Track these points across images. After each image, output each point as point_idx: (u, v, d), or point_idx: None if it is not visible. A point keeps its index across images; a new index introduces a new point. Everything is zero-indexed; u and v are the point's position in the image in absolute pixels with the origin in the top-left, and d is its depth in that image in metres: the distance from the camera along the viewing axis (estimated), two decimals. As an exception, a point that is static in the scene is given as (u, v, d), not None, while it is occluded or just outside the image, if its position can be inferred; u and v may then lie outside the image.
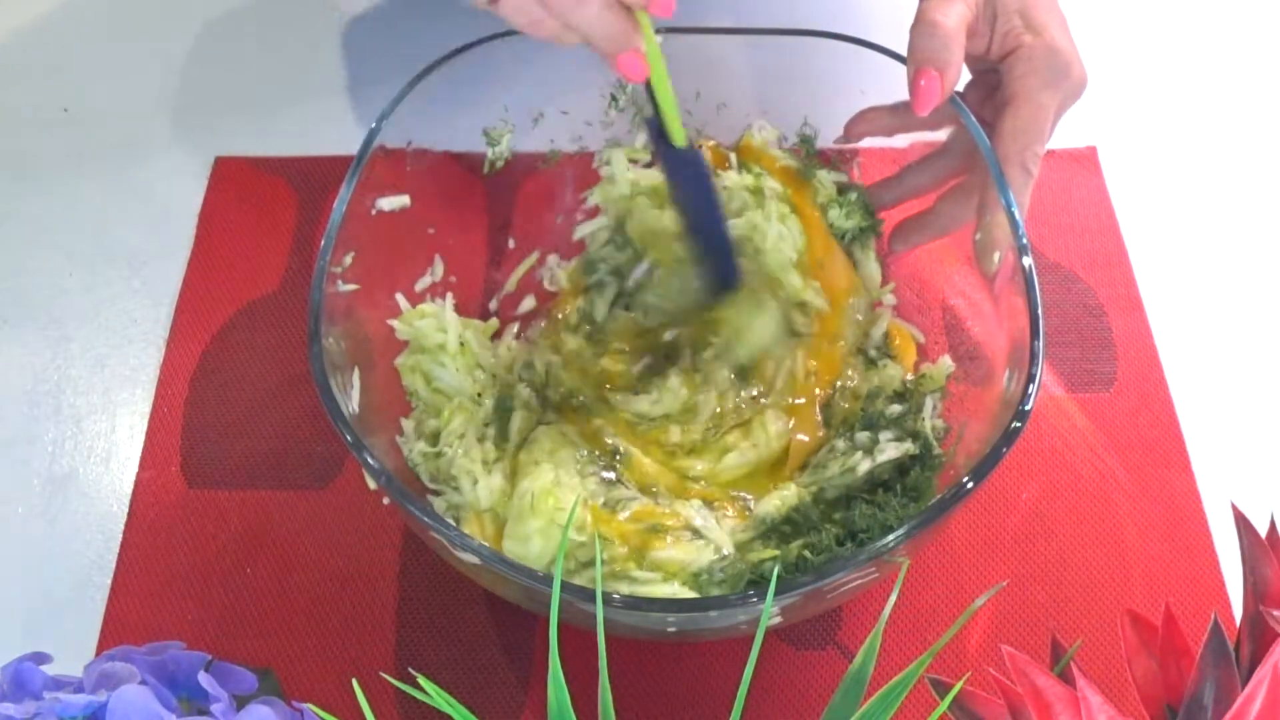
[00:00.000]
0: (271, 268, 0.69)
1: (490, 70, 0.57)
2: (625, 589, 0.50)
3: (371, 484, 0.46)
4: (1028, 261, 0.49)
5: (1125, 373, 0.63)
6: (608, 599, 0.41)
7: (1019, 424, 0.44)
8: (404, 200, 0.55)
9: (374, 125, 0.53)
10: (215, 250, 0.70)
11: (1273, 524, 0.41)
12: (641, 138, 0.64)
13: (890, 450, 0.54)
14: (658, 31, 0.55)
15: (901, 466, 0.54)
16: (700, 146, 0.60)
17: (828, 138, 0.62)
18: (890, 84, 0.55)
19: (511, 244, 0.64)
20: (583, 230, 0.64)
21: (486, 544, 0.47)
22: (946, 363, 0.58)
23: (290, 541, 0.59)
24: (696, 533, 0.53)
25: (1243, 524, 0.41)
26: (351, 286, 0.52)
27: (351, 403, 0.49)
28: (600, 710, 0.37)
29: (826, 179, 0.62)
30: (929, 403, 0.56)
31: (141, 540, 0.59)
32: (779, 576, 0.39)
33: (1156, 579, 0.56)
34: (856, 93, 0.59)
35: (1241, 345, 0.65)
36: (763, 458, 0.56)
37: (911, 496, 0.53)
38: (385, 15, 0.81)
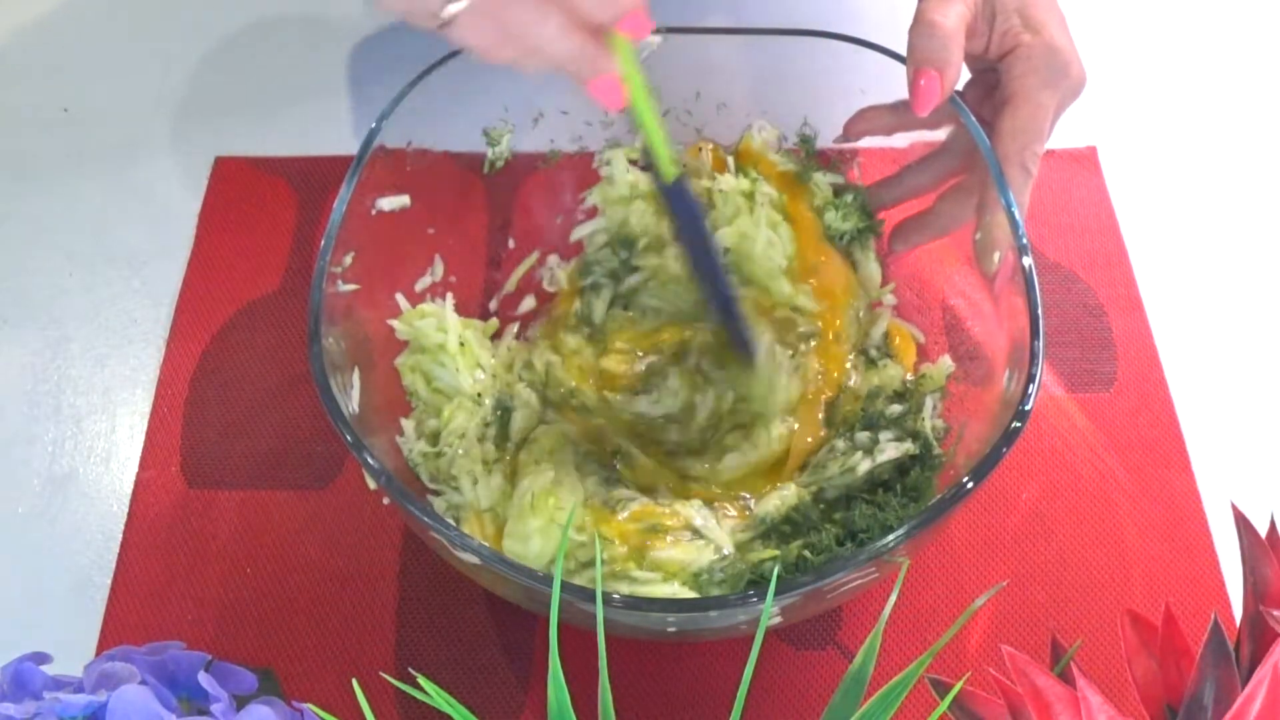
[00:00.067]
0: (271, 268, 0.69)
1: (490, 70, 0.57)
2: (625, 589, 0.50)
3: (371, 484, 0.46)
4: (1028, 261, 0.49)
5: (1125, 373, 0.63)
6: (608, 599, 0.41)
7: (1019, 424, 0.44)
8: (404, 200, 0.55)
9: (374, 125, 0.53)
10: (215, 250, 0.70)
11: (1273, 524, 0.41)
12: (641, 138, 0.64)
13: (890, 450, 0.54)
14: (656, 32, 0.55)
15: (901, 466, 0.54)
16: (686, 170, 0.57)
17: (827, 138, 0.62)
18: (890, 84, 0.55)
19: (511, 244, 0.64)
20: (581, 231, 0.64)
21: (486, 544, 0.47)
22: (946, 363, 0.58)
23: (290, 541, 0.59)
24: (696, 533, 0.53)
25: (1243, 524, 0.41)
26: (351, 286, 0.52)
27: (351, 403, 0.49)
28: (600, 710, 0.37)
29: (823, 181, 0.62)
30: (929, 403, 0.56)
31: (141, 540, 0.59)
32: (779, 576, 0.39)
33: (1156, 579, 0.56)
34: (856, 92, 0.59)
35: (1241, 345, 0.65)
36: (763, 458, 0.56)
37: (911, 496, 0.53)
38: (385, 15, 0.81)
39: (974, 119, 0.53)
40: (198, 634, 0.56)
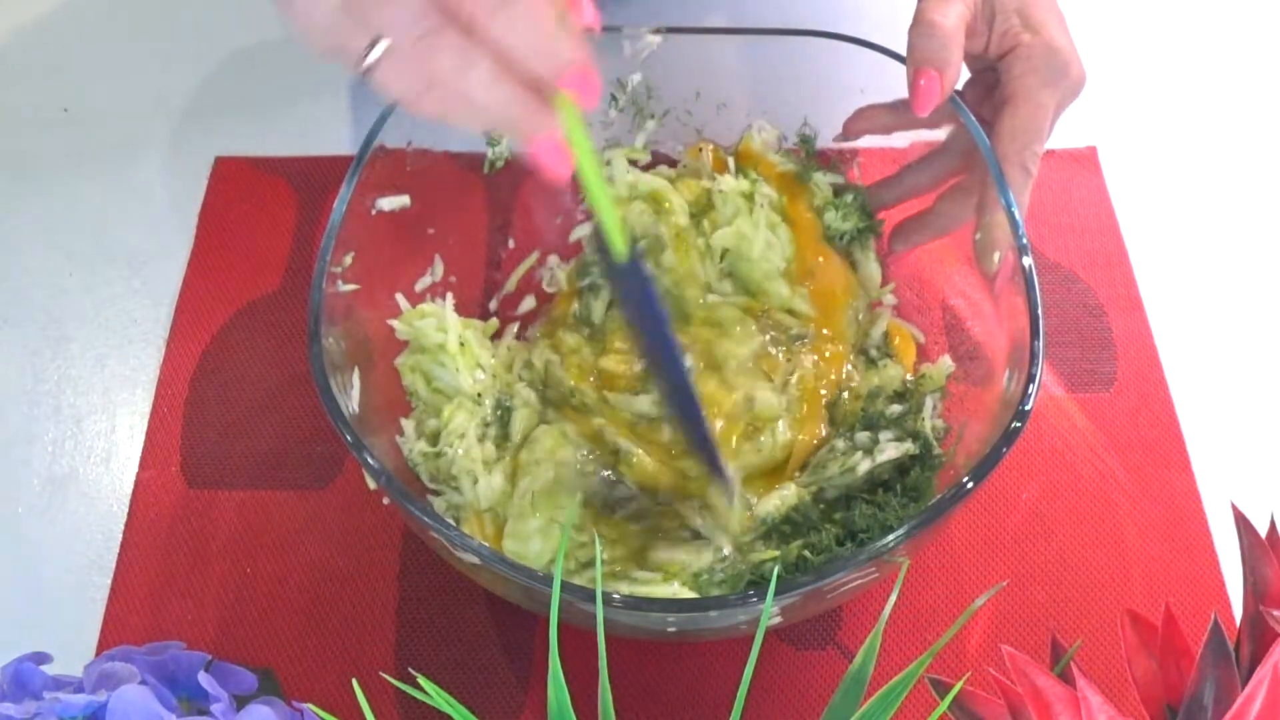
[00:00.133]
0: (271, 268, 0.69)
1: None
2: (625, 589, 0.50)
3: (371, 484, 0.46)
4: (1028, 261, 0.49)
5: (1125, 373, 0.63)
6: (608, 599, 0.41)
7: (1019, 424, 0.44)
8: (404, 200, 0.55)
9: (374, 125, 0.53)
10: (215, 250, 0.70)
11: (1273, 524, 0.41)
12: (641, 137, 0.64)
13: (890, 450, 0.54)
14: (656, 32, 0.55)
15: (901, 466, 0.54)
16: (639, 247, 0.47)
17: (827, 138, 0.62)
18: (889, 83, 0.55)
19: (511, 244, 0.64)
20: (580, 232, 0.64)
21: (486, 544, 0.47)
22: (946, 363, 0.58)
23: (290, 541, 0.59)
24: (696, 533, 0.53)
25: (1243, 524, 0.41)
26: (351, 286, 0.52)
27: (351, 403, 0.49)
28: (600, 710, 0.37)
29: (823, 181, 0.62)
30: (929, 403, 0.56)
31: (141, 540, 0.59)
32: (779, 576, 0.39)
33: (1156, 579, 0.56)
34: (856, 92, 0.59)
35: (1241, 345, 0.65)
36: (764, 462, 0.56)
37: (911, 496, 0.53)
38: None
39: (974, 119, 0.53)
40: (198, 634, 0.56)
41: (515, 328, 0.62)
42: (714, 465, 0.51)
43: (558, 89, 0.37)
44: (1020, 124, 0.53)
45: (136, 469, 0.61)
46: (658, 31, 0.58)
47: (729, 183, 0.60)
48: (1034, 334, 0.47)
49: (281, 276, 0.68)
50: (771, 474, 0.56)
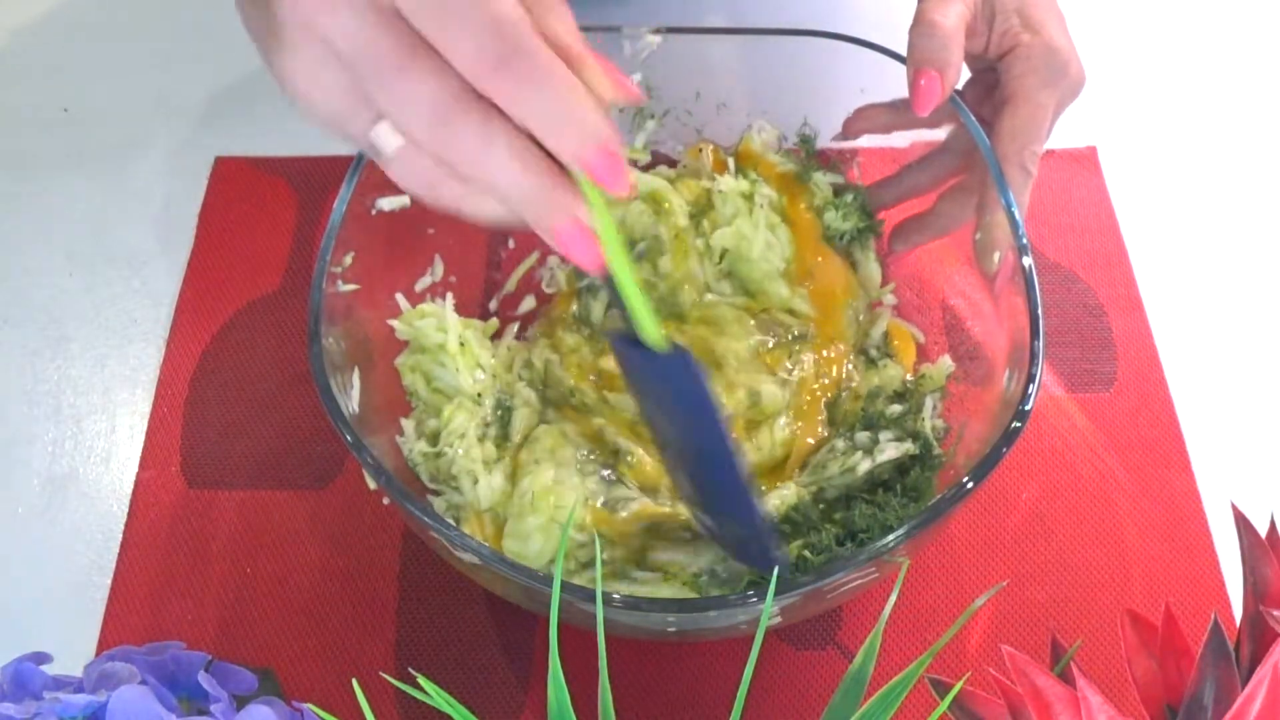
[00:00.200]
0: (271, 268, 0.69)
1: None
2: (625, 589, 0.50)
3: (371, 484, 0.46)
4: (1028, 261, 0.49)
5: (1125, 373, 0.63)
6: (608, 599, 0.41)
7: (1019, 424, 0.44)
8: (404, 200, 0.55)
9: (374, 125, 0.53)
10: (215, 250, 0.70)
11: (1273, 524, 0.41)
12: (641, 137, 0.64)
13: (890, 450, 0.54)
14: (656, 32, 0.55)
15: (901, 466, 0.54)
16: (677, 345, 0.42)
17: (827, 138, 0.62)
18: (889, 83, 0.55)
19: (511, 244, 0.64)
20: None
21: (486, 544, 0.47)
22: (946, 363, 0.58)
23: (290, 541, 0.59)
24: (697, 533, 0.53)
25: (1243, 524, 0.41)
26: (351, 286, 0.52)
27: (351, 403, 0.49)
28: (600, 710, 0.37)
29: (823, 181, 0.62)
30: (929, 403, 0.56)
31: (141, 540, 0.59)
32: (779, 576, 0.39)
33: (1156, 579, 0.56)
34: (856, 92, 0.59)
35: (1241, 345, 0.65)
36: (764, 461, 0.56)
37: (911, 496, 0.53)
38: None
39: (974, 119, 0.53)
40: (198, 634, 0.56)
41: (515, 328, 0.62)
42: (765, 560, 0.47)
43: (583, 172, 0.34)
44: (1020, 124, 0.53)
45: (136, 469, 0.61)
46: (658, 31, 0.58)
47: (729, 183, 0.60)
48: (1034, 334, 0.47)
49: (281, 276, 0.68)
50: (771, 473, 0.56)
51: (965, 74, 0.58)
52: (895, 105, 0.58)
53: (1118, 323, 0.65)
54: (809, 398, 0.57)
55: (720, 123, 0.63)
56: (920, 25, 0.53)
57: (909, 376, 0.59)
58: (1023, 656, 0.38)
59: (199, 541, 0.59)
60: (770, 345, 0.58)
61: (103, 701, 0.39)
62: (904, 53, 0.54)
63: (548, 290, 0.63)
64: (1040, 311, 0.47)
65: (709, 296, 0.60)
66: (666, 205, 0.61)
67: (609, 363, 0.58)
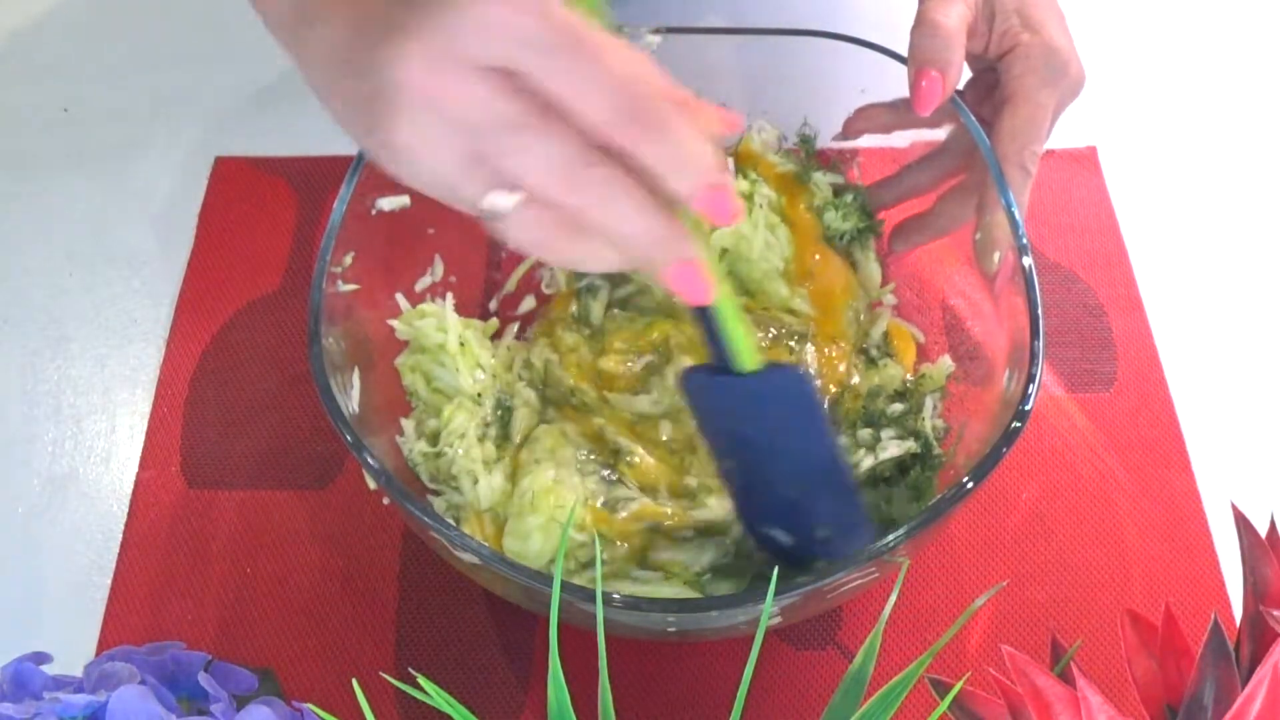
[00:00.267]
0: (271, 268, 0.69)
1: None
2: (626, 589, 0.50)
3: (371, 484, 0.46)
4: (1028, 261, 0.49)
5: (1125, 373, 0.63)
6: (608, 599, 0.41)
7: (1019, 424, 0.44)
8: (404, 200, 0.55)
9: (374, 125, 0.53)
10: (215, 250, 0.70)
11: (1273, 524, 0.41)
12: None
13: (892, 448, 0.54)
14: (656, 32, 0.55)
15: (902, 465, 0.54)
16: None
17: (827, 138, 0.62)
18: (890, 83, 0.55)
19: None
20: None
21: (486, 544, 0.47)
22: (946, 362, 0.58)
23: (290, 541, 0.59)
24: (698, 532, 0.53)
25: (1243, 524, 0.41)
26: (351, 286, 0.52)
27: (351, 403, 0.49)
28: (600, 710, 0.37)
29: (823, 181, 0.62)
30: (929, 403, 0.56)
31: (141, 540, 0.59)
32: (779, 576, 0.39)
33: (1156, 579, 0.56)
34: (856, 92, 0.59)
35: (1241, 345, 0.65)
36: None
37: (912, 496, 0.53)
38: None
39: (974, 119, 0.53)
40: (198, 634, 0.56)
41: (515, 328, 0.62)
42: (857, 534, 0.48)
43: (695, 208, 0.35)
44: (1020, 124, 0.53)
45: (136, 469, 0.61)
46: (658, 31, 0.58)
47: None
48: (1034, 334, 0.47)
49: (281, 276, 0.68)
50: None
51: (966, 74, 0.58)
52: (895, 105, 0.58)
53: (1118, 323, 0.65)
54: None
55: (720, 123, 0.63)
56: (922, 26, 0.53)
57: (909, 376, 0.59)
58: (1023, 656, 0.38)
59: (199, 541, 0.59)
60: (769, 344, 0.58)
61: (103, 701, 0.39)
62: (904, 53, 0.54)
63: (547, 290, 0.63)
64: (1040, 311, 0.47)
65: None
66: (666, 205, 0.60)
67: (608, 363, 0.58)
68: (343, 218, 0.51)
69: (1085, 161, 0.72)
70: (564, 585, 0.39)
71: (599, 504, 0.53)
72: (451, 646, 0.55)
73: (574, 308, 0.61)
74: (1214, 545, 0.57)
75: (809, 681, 0.54)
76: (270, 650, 0.55)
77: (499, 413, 0.57)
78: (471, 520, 0.53)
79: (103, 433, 0.63)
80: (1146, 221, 0.69)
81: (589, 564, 0.52)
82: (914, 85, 0.53)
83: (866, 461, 0.54)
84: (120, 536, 0.59)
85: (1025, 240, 0.49)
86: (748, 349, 0.43)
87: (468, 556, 0.43)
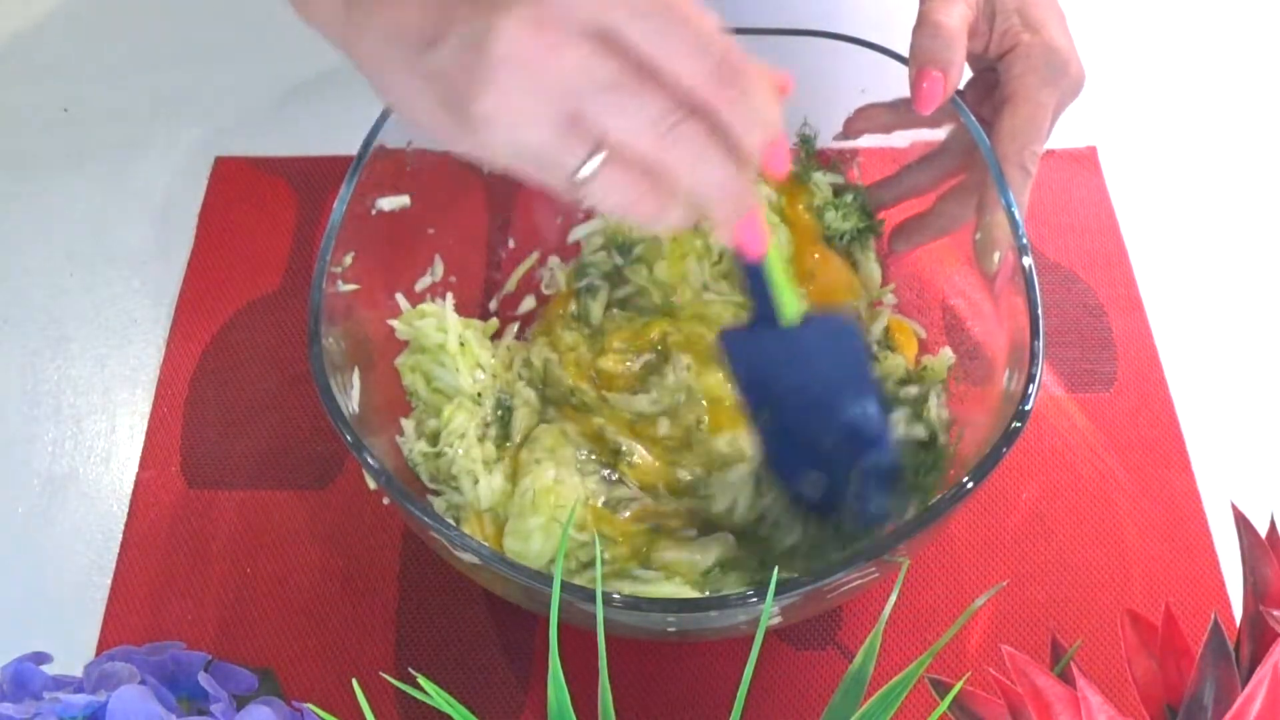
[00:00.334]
0: (271, 268, 0.69)
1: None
2: (628, 588, 0.50)
3: (371, 484, 0.46)
4: (1028, 261, 0.49)
5: (1125, 373, 0.63)
6: (607, 599, 0.41)
7: (1019, 424, 0.44)
8: (404, 200, 0.55)
9: (374, 125, 0.53)
10: (215, 250, 0.70)
11: (1273, 524, 0.41)
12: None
13: (903, 428, 0.54)
14: None
15: (911, 453, 0.54)
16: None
17: (827, 137, 0.62)
18: (890, 83, 0.55)
19: (511, 244, 0.64)
20: (578, 232, 0.64)
21: (486, 544, 0.47)
22: (947, 354, 0.57)
23: (290, 541, 0.59)
24: (700, 531, 0.53)
25: (1243, 524, 0.41)
26: (351, 286, 0.52)
27: (351, 403, 0.49)
28: (600, 710, 0.37)
29: (823, 181, 0.62)
30: (932, 396, 0.56)
31: (141, 540, 0.59)
32: (779, 577, 0.39)
33: (1156, 579, 0.56)
34: (856, 92, 0.59)
35: (1241, 345, 0.65)
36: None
37: (921, 485, 0.53)
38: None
39: (974, 119, 0.53)
40: (198, 634, 0.56)
41: (515, 328, 0.62)
42: (880, 510, 0.51)
43: (761, 161, 0.38)
44: (1020, 124, 0.53)
45: (136, 469, 0.61)
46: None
47: (729, 183, 0.60)
48: (1034, 334, 0.47)
49: (281, 276, 0.68)
50: None
51: (966, 74, 0.58)
52: (896, 105, 0.58)
53: (1118, 323, 0.65)
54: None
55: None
56: (925, 26, 0.53)
57: (911, 369, 0.59)
58: (1023, 656, 0.38)
59: (199, 541, 0.59)
60: None
61: (103, 701, 0.39)
62: (904, 53, 0.54)
63: (547, 291, 0.63)
64: (1040, 311, 0.47)
65: (707, 295, 0.60)
66: (666, 206, 0.60)
67: (607, 363, 0.58)
68: (343, 218, 0.51)
69: (1085, 161, 0.72)
70: (564, 585, 0.39)
71: (600, 504, 0.53)
72: (451, 646, 0.55)
73: (573, 307, 0.61)
74: (1214, 545, 0.57)
75: (809, 681, 0.54)
76: (270, 650, 0.55)
77: (499, 413, 0.57)
78: (471, 520, 0.53)
79: (103, 433, 0.63)
80: (1146, 221, 0.69)
81: (590, 564, 0.52)
82: (915, 85, 0.53)
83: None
84: (120, 536, 0.59)
85: (1025, 240, 0.49)
86: (794, 301, 0.45)
87: (468, 556, 0.43)
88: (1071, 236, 0.68)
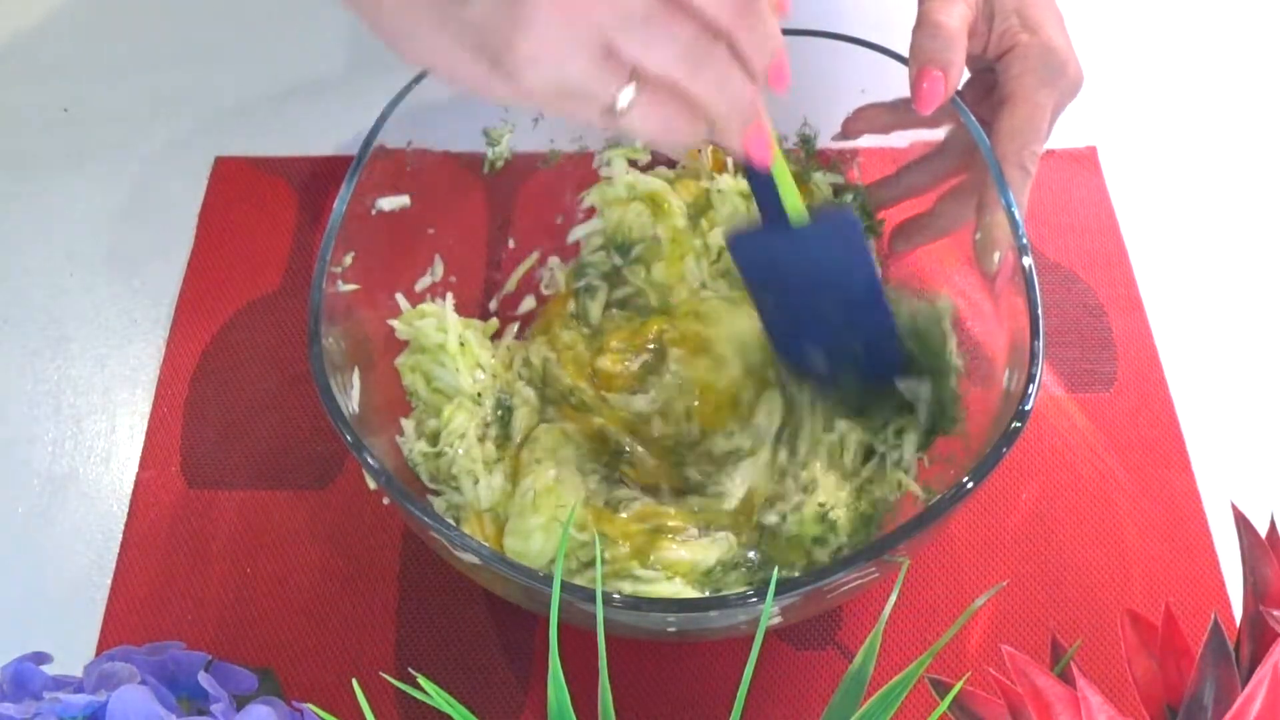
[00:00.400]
0: (271, 268, 0.69)
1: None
2: (629, 588, 0.50)
3: (371, 484, 0.46)
4: (1028, 261, 0.49)
5: (1125, 373, 0.63)
6: (607, 599, 0.41)
7: (1019, 424, 0.44)
8: (404, 200, 0.55)
9: (374, 125, 0.53)
10: (215, 250, 0.70)
11: (1273, 524, 0.41)
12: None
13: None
14: None
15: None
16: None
17: (827, 137, 0.62)
18: (890, 83, 0.55)
19: (511, 244, 0.64)
20: (578, 232, 0.64)
21: (486, 544, 0.47)
22: (946, 300, 0.57)
23: (290, 541, 0.59)
24: (703, 530, 0.53)
25: (1243, 524, 0.41)
26: (351, 286, 0.52)
27: (351, 403, 0.49)
28: (600, 710, 0.37)
29: (823, 181, 0.62)
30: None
31: (141, 540, 0.59)
32: (779, 577, 0.39)
33: (1156, 579, 0.56)
34: (856, 92, 0.59)
35: (1241, 345, 0.65)
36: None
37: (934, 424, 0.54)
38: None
39: (973, 119, 0.53)
40: (198, 634, 0.56)
41: (515, 327, 0.62)
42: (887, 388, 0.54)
43: (768, 75, 0.42)
44: (1019, 124, 0.53)
45: (136, 469, 0.61)
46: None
47: (727, 182, 0.60)
48: (1034, 334, 0.47)
49: (281, 276, 0.68)
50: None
51: (965, 74, 0.58)
52: (895, 105, 0.57)
53: (1118, 323, 0.65)
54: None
55: (720, 123, 0.63)
56: (925, 26, 0.53)
57: None
58: (1023, 656, 0.38)
59: (199, 541, 0.59)
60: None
61: (103, 701, 0.39)
62: (904, 53, 0.54)
63: (546, 291, 0.63)
64: (1040, 311, 0.47)
65: (705, 293, 0.60)
66: (665, 206, 0.61)
67: (606, 363, 0.58)
68: (343, 218, 0.51)
69: (1085, 161, 0.72)
70: (564, 585, 0.39)
71: (600, 504, 0.53)
72: (451, 646, 0.55)
73: (572, 307, 0.61)
74: (1214, 545, 0.57)
75: (809, 681, 0.54)
76: (270, 650, 0.55)
77: (499, 412, 0.57)
78: (472, 520, 0.53)
79: (103, 433, 0.63)
80: (1146, 221, 0.69)
81: (590, 564, 0.52)
82: (916, 85, 0.53)
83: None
84: (120, 536, 0.59)
85: (1025, 240, 0.49)
86: (798, 205, 0.49)
87: (468, 556, 0.43)
88: (1071, 236, 0.68)
